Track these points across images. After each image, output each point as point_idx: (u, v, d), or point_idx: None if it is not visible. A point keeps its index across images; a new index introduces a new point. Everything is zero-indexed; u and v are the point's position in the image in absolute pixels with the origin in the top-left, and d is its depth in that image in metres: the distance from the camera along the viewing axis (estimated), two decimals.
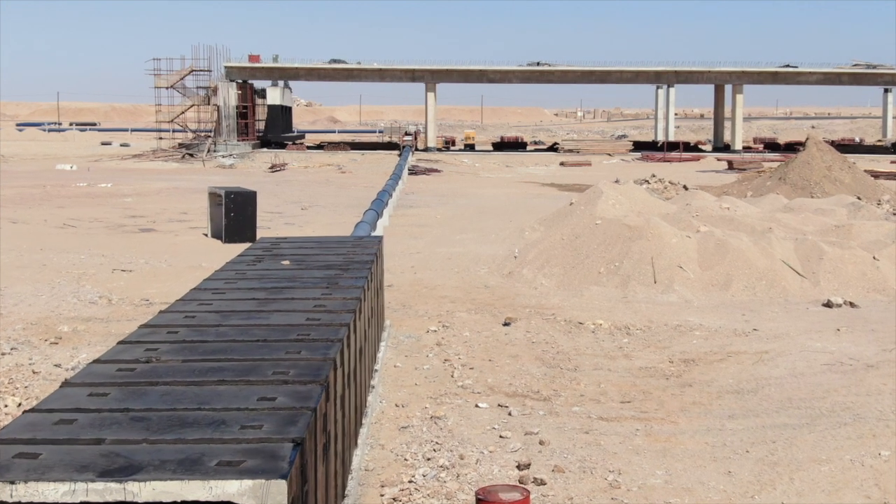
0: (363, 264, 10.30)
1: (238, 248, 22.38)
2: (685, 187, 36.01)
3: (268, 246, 12.06)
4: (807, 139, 33.43)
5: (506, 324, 13.51)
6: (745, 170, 46.11)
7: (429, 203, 32.69)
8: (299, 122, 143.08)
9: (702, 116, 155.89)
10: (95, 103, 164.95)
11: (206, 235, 23.48)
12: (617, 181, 40.65)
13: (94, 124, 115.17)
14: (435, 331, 13.16)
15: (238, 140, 61.03)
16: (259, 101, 76.11)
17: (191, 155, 57.12)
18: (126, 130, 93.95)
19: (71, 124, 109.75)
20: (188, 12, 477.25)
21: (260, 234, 23.62)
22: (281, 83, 76.52)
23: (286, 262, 10.59)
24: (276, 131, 73.99)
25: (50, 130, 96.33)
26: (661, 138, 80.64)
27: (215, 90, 61.24)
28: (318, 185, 41.26)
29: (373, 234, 20.59)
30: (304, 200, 33.58)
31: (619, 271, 16.33)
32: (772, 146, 71.93)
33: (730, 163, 51.04)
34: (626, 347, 12.31)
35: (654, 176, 36.87)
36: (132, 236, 23.69)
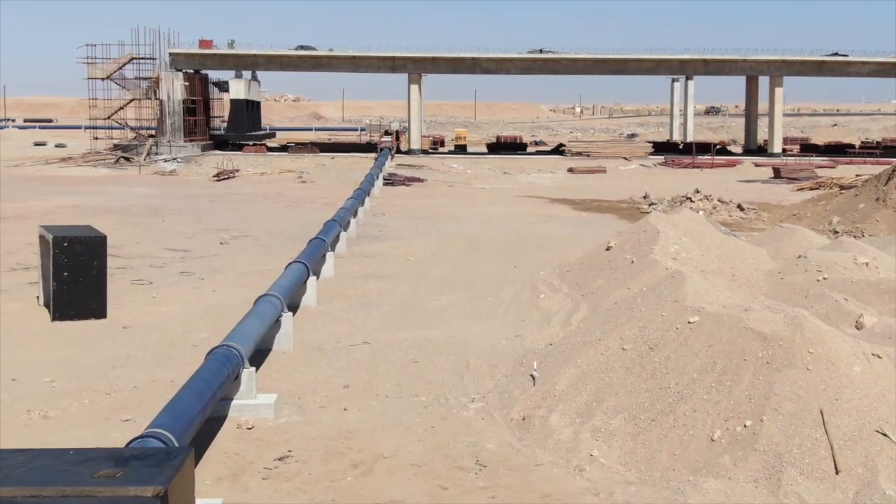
0: None
1: (71, 330, 14.00)
2: (740, 207, 27.65)
3: None
4: None
5: None
6: (796, 179, 37.58)
7: (402, 232, 24.21)
8: (280, 118, 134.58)
9: (706, 112, 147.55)
10: (63, 98, 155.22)
11: (38, 299, 15.07)
12: (646, 197, 32.10)
13: (50, 121, 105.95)
14: None
15: (185, 140, 51.60)
16: (223, 94, 67.78)
17: (126, 159, 48.16)
18: (79, 128, 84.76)
19: (25, 121, 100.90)
20: (167, 4, 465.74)
21: (132, 295, 15.32)
22: (248, 75, 67.64)
23: None
24: (241, 129, 65.13)
25: None
26: (677, 137, 71.85)
27: (158, 81, 51.98)
28: (263, 202, 32.67)
29: (294, 305, 12.16)
30: (233, 226, 25.13)
31: (755, 442, 7.87)
32: (809, 147, 62.55)
33: (776, 170, 41.95)
34: None
35: (697, 192, 28.40)
36: None
